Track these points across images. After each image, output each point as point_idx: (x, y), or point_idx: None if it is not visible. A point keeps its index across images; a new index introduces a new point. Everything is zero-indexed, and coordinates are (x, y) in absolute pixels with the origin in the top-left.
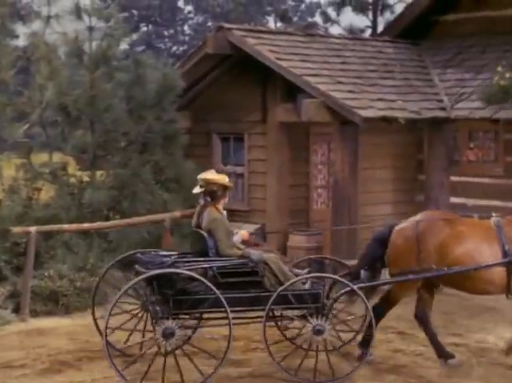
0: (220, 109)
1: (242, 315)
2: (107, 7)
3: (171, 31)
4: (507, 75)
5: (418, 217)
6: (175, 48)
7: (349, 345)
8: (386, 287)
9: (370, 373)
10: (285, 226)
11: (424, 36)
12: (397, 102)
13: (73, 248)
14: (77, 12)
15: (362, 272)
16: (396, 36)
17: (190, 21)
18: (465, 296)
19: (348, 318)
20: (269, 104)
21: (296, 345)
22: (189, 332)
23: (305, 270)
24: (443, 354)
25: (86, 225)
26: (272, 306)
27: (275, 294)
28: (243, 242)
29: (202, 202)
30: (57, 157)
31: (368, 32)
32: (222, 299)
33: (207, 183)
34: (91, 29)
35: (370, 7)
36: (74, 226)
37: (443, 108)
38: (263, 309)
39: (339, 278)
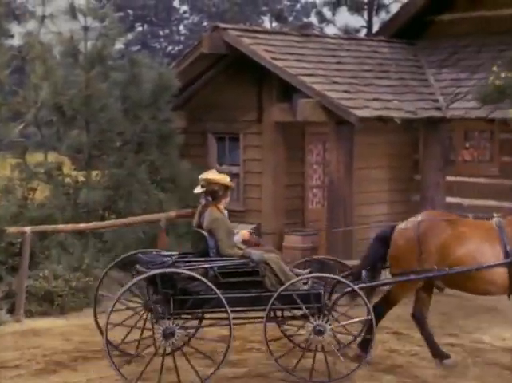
0: (216, 109)
1: (243, 315)
2: (102, 7)
3: (167, 31)
4: (503, 75)
5: (420, 217)
6: (170, 47)
7: (349, 347)
8: (387, 287)
9: (365, 373)
10: (280, 226)
11: (420, 36)
12: (393, 102)
13: (68, 248)
14: (72, 12)
15: (363, 272)
16: (392, 36)
17: (185, 21)
18: (460, 296)
19: (350, 321)
20: (264, 104)
21: (294, 344)
22: (190, 332)
23: (307, 271)
24: (438, 354)
25: (81, 225)
26: (272, 306)
27: (276, 294)
28: (244, 242)
29: (203, 202)
30: (52, 157)
31: (364, 32)
32: (223, 299)
33: (209, 182)
34: (86, 28)
35: (365, 7)
36: (69, 226)
37: (439, 108)
38: (264, 310)
39: (339, 278)
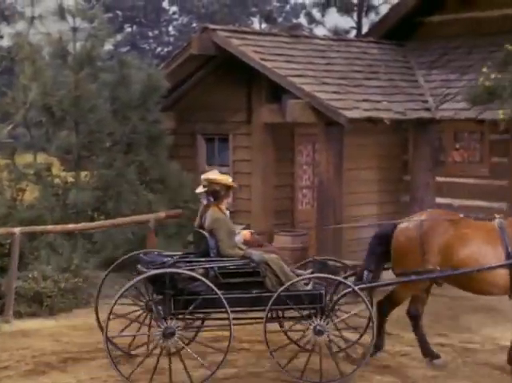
0: (205, 110)
1: (244, 315)
2: (91, 8)
3: (156, 32)
4: (492, 76)
5: (422, 216)
6: (159, 49)
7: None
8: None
9: (356, 373)
10: (270, 226)
11: (409, 37)
12: (382, 103)
13: (58, 249)
14: (61, 12)
15: (365, 273)
16: (381, 37)
17: (174, 22)
18: (449, 296)
19: (344, 316)
20: (253, 105)
21: (296, 344)
22: (191, 333)
23: (308, 271)
24: (429, 354)
25: (70, 226)
26: (273, 307)
27: (276, 294)
28: (245, 242)
29: (205, 202)
30: (42, 158)
31: (353, 33)
32: (223, 299)
33: (210, 183)
34: (75, 29)
35: (355, 8)
36: (59, 227)
37: (428, 109)
38: (264, 310)
39: (340, 278)
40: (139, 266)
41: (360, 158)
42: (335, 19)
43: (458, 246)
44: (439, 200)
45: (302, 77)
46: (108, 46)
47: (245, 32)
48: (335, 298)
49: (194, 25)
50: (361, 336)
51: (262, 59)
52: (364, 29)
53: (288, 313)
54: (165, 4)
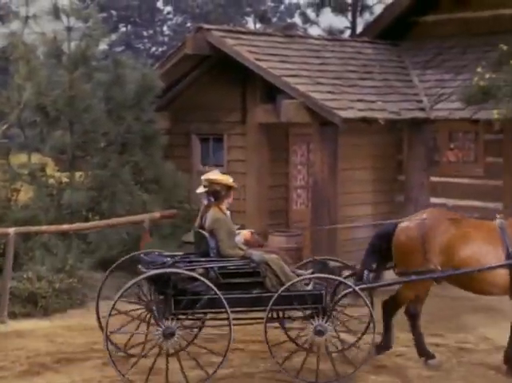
0: (199, 110)
1: (244, 316)
2: (85, 7)
3: (150, 32)
4: (487, 76)
5: (423, 215)
6: (154, 48)
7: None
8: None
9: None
10: (264, 226)
11: (404, 37)
12: (377, 103)
13: (52, 249)
14: (56, 12)
15: (365, 273)
16: (376, 37)
17: (169, 22)
18: (444, 296)
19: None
20: (248, 105)
21: (296, 344)
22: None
23: (308, 271)
24: (424, 353)
25: (65, 226)
26: (273, 307)
27: (276, 295)
28: (246, 242)
29: (205, 202)
30: (36, 158)
31: (348, 33)
32: (223, 300)
33: (211, 183)
34: (69, 29)
35: (349, 8)
36: (53, 227)
37: (423, 109)
38: (265, 310)
39: (340, 279)
40: (139, 266)
41: (354, 158)
42: (329, 19)
43: (459, 245)
44: (433, 200)
45: (297, 77)
46: (103, 46)
47: (239, 32)
48: (335, 298)
49: (188, 24)
50: (361, 336)
51: (257, 59)
52: (359, 29)
53: (287, 313)
54: (159, 4)
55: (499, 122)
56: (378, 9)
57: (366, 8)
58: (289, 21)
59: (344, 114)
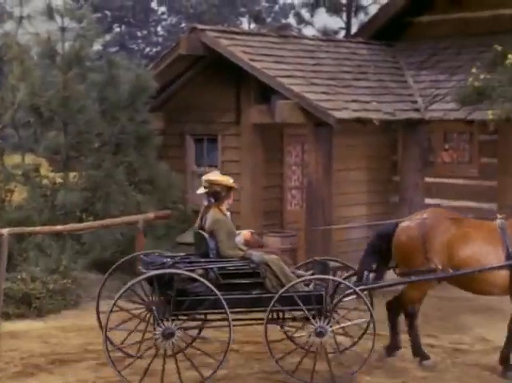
0: (194, 110)
1: (244, 317)
2: (79, 8)
3: (145, 32)
4: (482, 76)
5: (424, 215)
6: (148, 49)
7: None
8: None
9: (344, 373)
10: (259, 227)
11: (398, 37)
12: (371, 103)
13: (46, 250)
14: (49, 12)
15: (365, 273)
16: (370, 37)
17: (163, 23)
18: (439, 297)
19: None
20: (242, 106)
21: (296, 345)
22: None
23: (309, 272)
24: (419, 354)
25: (59, 227)
26: (273, 308)
27: (277, 295)
28: (246, 243)
29: (205, 203)
30: (30, 158)
31: (342, 33)
32: (223, 300)
33: (211, 183)
34: (63, 29)
35: (344, 8)
36: (47, 228)
37: (418, 110)
38: (264, 311)
39: (340, 280)
40: (139, 267)
41: (349, 159)
42: (324, 19)
43: (459, 245)
44: (428, 201)
45: (291, 78)
46: (97, 46)
47: (234, 32)
48: (335, 298)
49: (182, 25)
50: (360, 337)
51: (251, 59)
52: (353, 30)
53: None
54: (154, 4)
55: (494, 123)
56: (373, 10)
57: (361, 8)
58: (283, 21)
59: (338, 115)
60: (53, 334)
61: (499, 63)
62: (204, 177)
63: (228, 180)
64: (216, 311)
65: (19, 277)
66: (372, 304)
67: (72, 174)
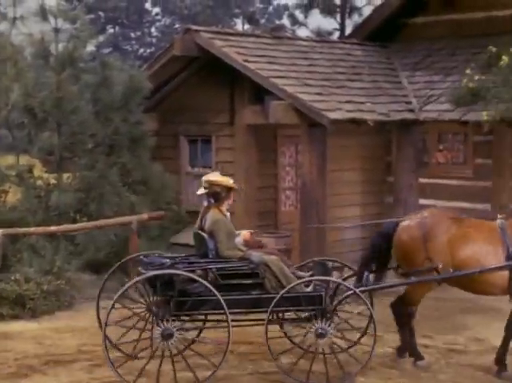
0: (188, 111)
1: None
2: (73, 9)
3: (138, 33)
4: (476, 77)
5: (424, 214)
6: (142, 50)
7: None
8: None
9: (337, 374)
10: (253, 228)
11: (393, 38)
12: (366, 104)
13: (40, 251)
14: (43, 13)
15: (365, 274)
16: (364, 38)
17: (157, 23)
18: (433, 298)
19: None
20: (236, 106)
21: (297, 345)
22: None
23: (309, 273)
24: (414, 354)
25: (53, 228)
26: (274, 309)
27: (278, 296)
28: (246, 243)
29: (205, 203)
30: (24, 159)
31: (336, 34)
32: (222, 301)
33: (211, 184)
34: (57, 30)
35: (338, 10)
36: (41, 229)
37: (412, 110)
38: (264, 312)
39: (340, 281)
40: (139, 267)
41: (343, 159)
42: (318, 20)
43: (460, 245)
44: (422, 201)
45: (285, 79)
46: (90, 47)
47: (228, 33)
48: (336, 299)
49: (176, 26)
50: (359, 339)
51: (245, 60)
52: (348, 31)
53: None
54: (148, 5)
55: (488, 124)
56: (367, 11)
57: (355, 9)
58: (277, 22)
59: (332, 115)
60: (47, 335)
61: (493, 64)
62: (204, 178)
63: (228, 181)
64: (215, 312)
65: (13, 278)
66: (372, 305)
67: (65, 175)
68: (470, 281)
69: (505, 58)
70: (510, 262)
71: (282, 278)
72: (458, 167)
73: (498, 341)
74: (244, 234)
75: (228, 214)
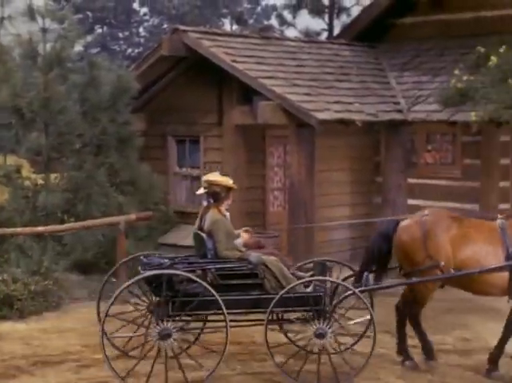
0: (176, 111)
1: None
2: (61, 9)
3: (126, 33)
4: (464, 78)
5: (424, 214)
6: (130, 50)
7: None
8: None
9: (327, 374)
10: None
11: (381, 39)
12: (354, 105)
13: (27, 251)
14: (31, 13)
15: (365, 274)
16: (353, 39)
17: (145, 23)
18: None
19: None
20: (225, 107)
21: (297, 346)
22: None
23: (308, 273)
24: (403, 352)
25: (40, 228)
26: (273, 309)
27: (278, 296)
28: (246, 244)
29: (205, 203)
30: (11, 160)
31: (325, 35)
32: (220, 301)
33: (210, 184)
34: (45, 30)
35: (326, 10)
36: (28, 229)
37: (400, 111)
38: (263, 312)
39: (339, 281)
40: (139, 267)
41: (331, 160)
42: (306, 21)
43: (460, 245)
44: (410, 202)
45: (273, 79)
46: (78, 47)
47: (216, 33)
48: (335, 300)
49: (164, 26)
50: (358, 340)
51: (233, 60)
52: (336, 31)
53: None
54: (135, 5)
55: (477, 124)
56: (355, 11)
57: (343, 10)
58: (265, 22)
59: (320, 116)
60: (34, 336)
61: (482, 65)
62: (204, 178)
63: (228, 181)
64: (214, 312)
65: (0, 278)
66: (372, 305)
67: (53, 175)
68: (470, 281)
69: (493, 59)
70: (509, 262)
71: (282, 279)
72: (446, 167)
73: (485, 342)
74: (244, 236)
75: (228, 214)
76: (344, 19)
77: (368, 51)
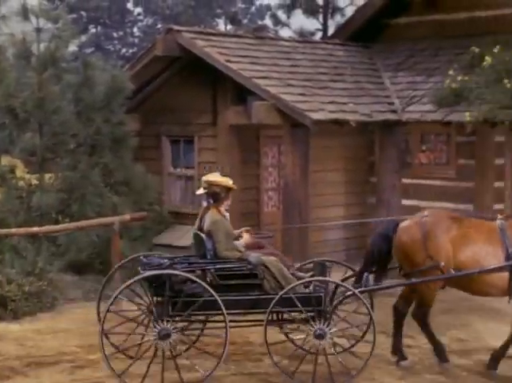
0: (170, 112)
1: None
2: (55, 8)
3: (121, 33)
4: (459, 78)
5: (424, 214)
6: (124, 50)
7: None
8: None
9: (323, 375)
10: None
11: (375, 39)
12: (348, 105)
13: (22, 252)
14: (25, 13)
15: (365, 275)
16: (347, 39)
17: (139, 23)
18: None
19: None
20: (219, 107)
21: (296, 346)
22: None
23: (308, 274)
24: (398, 353)
25: (35, 229)
26: (273, 309)
27: (277, 297)
28: (246, 245)
29: (204, 204)
30: (5, 160)
31: (319, 35)
32: (219, 301)
33: (210, 184)
34: (39, 30)
35: (320, 10)
36: (22, 230)
37: (395, 111)
38: (263, 313)
39: (339, 282)
40: (139, 268)
41: (326, 160)
42: (300, 21)
43: (460, 246)
44: (405, 202)
45: (267, 79)
46: (73, 47)
47: (210, 33)
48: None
49: (158, 26)
50: (358, 341)
51: (227, 61)
52: (330, 31)
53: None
54: (130, 5)
55: (471, 124)
56: (349, 12)
57: (337, 10)
58: (259, 22)
59: (315, 116)
60: (28, 337)
61: (476, 65)
62: (204, 178)
63: (227, 181)
64: (214, 313)
65: None
66: (372, 306)
67: (47, 175)
68: (470, 281)
69: (488, 59)
70: (509, 263)
71: (281, 279)
72: (441, 167)
73: (480, 342)
74: (245, 238)
75: (227, 214)
76: (339, 19)
77: (363, 51)
